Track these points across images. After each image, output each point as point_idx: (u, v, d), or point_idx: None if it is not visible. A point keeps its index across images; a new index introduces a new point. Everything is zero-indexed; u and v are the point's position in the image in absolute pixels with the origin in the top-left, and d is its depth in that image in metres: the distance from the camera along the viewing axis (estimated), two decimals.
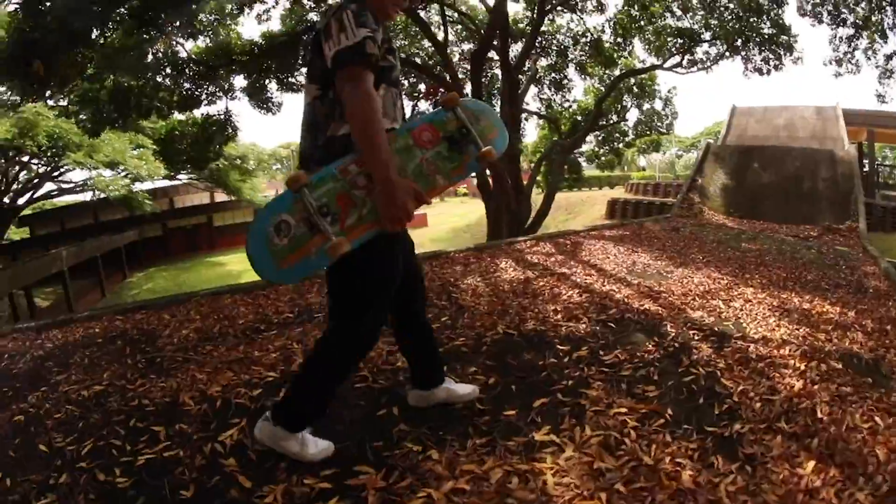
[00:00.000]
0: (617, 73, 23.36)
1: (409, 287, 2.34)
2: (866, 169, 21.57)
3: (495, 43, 15.88)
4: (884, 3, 15.87)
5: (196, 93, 13.27)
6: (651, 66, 20.40)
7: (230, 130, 15.45)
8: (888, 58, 16.30)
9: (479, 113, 2.23)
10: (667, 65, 20.14)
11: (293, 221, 1.80)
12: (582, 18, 19.74)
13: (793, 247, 10.26)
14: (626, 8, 18.78)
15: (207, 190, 35.96)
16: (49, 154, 21.94)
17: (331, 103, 1.98)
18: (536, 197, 20.22)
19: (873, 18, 16.10)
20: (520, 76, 19.18)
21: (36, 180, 27.17)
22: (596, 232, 10.35)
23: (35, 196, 28.72)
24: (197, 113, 15.51)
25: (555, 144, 21.23)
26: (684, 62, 19.68)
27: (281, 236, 1.79)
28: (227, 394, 3.12)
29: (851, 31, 16.35)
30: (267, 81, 14.81)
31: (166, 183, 32.32)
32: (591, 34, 20.04)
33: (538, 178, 20.64)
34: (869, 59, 16.54)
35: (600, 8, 19.52)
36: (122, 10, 10.19)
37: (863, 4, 16.01)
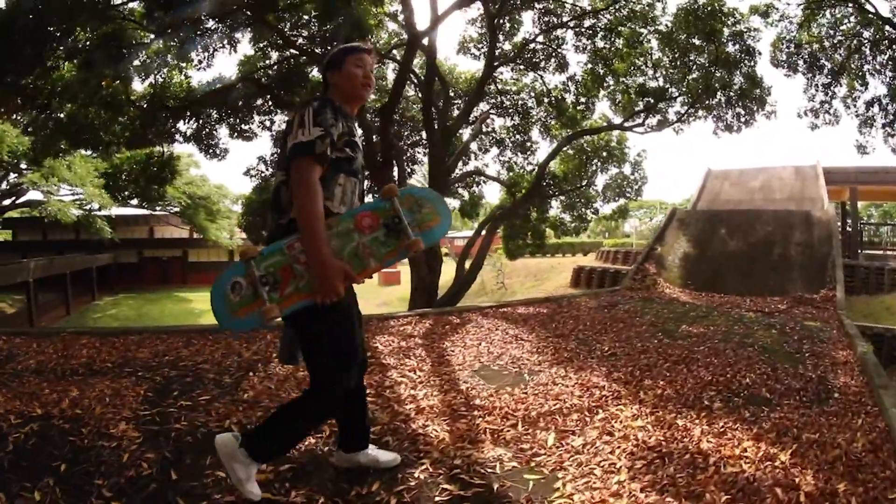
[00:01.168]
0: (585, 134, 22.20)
1: None
2: (849, 229, 19.68)
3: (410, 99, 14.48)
4: (862, 46, 14.36)
5: (143, 132, 13.57)
6: (609, 126, 18.91)
7: (167, 174, 16.36)
8: (868, 105, 14.68)
9: (423, 200, 2.34)
10: (628, 124, 18.70)
11: (244, 283, 2.13)
12: (541, 76, 18.12)
13: (748, 327, 8.25)
14: (589, 66, 17.62)
15: (186, 226, 35.98)
16: (8, 169, 22.73)
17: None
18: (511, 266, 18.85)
19: (852, 64, 14.57)
20: (459, 133, 17.64)
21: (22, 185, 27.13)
22: (508, 309, 9.40)
23: (18, 202, 28.94)
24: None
25: (497, 210, 19.73)
26: (652, 122, 18.42)
27: (235, 293, 2.11)
28: None
29: (828, 80, 14.76)
30: (218, 127, 14.96)
31: (146, 212, 34.08)
32: (553, 94, 18.89)
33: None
34: (848, 107, 14.96)
35: (561, 66, 18.13)
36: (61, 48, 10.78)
37: (841, 50, 14.47)
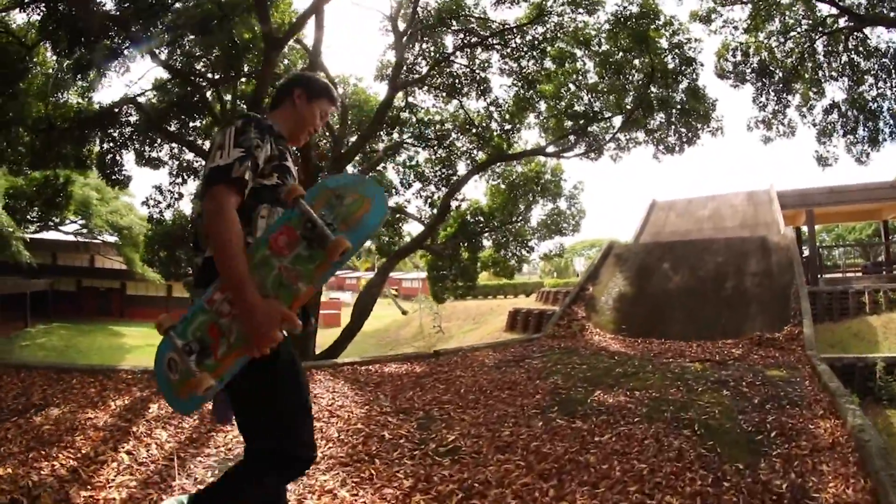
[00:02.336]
0: (516, 164, 20.44)
1: None
2: (806, 254, 17.75)
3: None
4: (816, 53, 12.53)
5: (42, 154, 13.16)
6: (532, 151, 16.88)
7: (62, 199, 16.34)
8: (827, 112, 12.80)
9: (342, 189, 1.89)
10: (552, 149, 16.65)
11: (178, 359, 1.79)
12: (461, 102, 16.00)
13: (690, 389, 6.08)
14: (514, 89, 15.77)
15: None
16: None
17: None
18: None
19: (805, 73, 12.74)
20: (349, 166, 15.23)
21: None
22: (375, 366, 7.68)
23: None
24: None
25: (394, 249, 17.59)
26: (579, 146, 16.62)
27: (173, 372, 1.81)
28: None
29: (780, 87, 12.90)
30: (123, 152, 14.23)
31: (87, 239, 32.96)
32: (476, 121, 16.86)
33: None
34: (804, 116, 13.06)
35: (484, 91, 16.16)
36: None
37: (793, 57, 12.63)
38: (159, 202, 16.00)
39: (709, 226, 17.79)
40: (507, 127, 17.26)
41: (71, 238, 32.94)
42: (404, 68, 15.63)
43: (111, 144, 14.00)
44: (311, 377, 6.63)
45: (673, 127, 15.28)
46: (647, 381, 6.33)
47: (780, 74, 13.37)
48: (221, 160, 1.84)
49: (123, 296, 38.48)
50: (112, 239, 32.03)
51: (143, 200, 15.96)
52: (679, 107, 14.56)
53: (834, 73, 12.91)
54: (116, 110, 13.33)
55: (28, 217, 20.89)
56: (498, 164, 20.17)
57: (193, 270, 2.04)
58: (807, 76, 13.21)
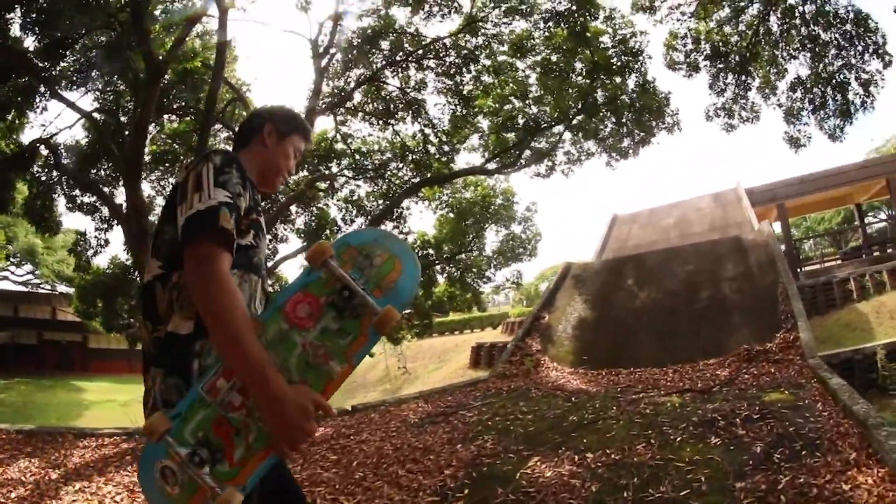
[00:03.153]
0: (463, 191, 19.61)
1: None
2: (783, 249, 16.42)
3: None
4: (770, 27, 11.32)
5: None
6: (469, 170, 15.50)
7: None
8: (791, 88, 11.48)
9: (369, 247, 1.55)
10: (492, 166, 15.29)
11: (175, 467, 1.36)
12: (393, 126, 14.77)
13: (665, 438, 4.48)
14: (449, 107, 14.76)
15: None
16: None
17: (175, 289, 1.48)
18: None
19: (765, 49, 11.52)
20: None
21: None
22: None
23: None
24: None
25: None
26: (531, 164, 15.46)
27: (171, 485, 1.37)
28: None
29: (738, 70, 11.67)
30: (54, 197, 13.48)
31: (48, 290, 32.84)
32: (411, 146, 15.72)
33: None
34: (767, 97, 11.71)
35: (416, 112, 15.05)
36: None
37: (749, 40, 11.43)
38: (86, 250, 15.10)
39: (675, 234, 16.36)
40: (446, 149, 15.91)
41: (29, 289, 33.35)
42: (334, 95, 14.56)
43: (39, 188, 13.29)
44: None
45: (625, 128, 14.04)
46: (608, 434, 4.65)
47: (736, 58, 12.11)
48: (201, 204, 1.39)
49: (85, 349, 37.35)
50: (69, 289, 30.94)
51: (69, 248, 15.52)
52: (629, 105, 13.27)
53: (794, 50, 11.66)
54: (36, 152, 12.40)
55: None
56: (442, 191, 18.89)
57: (148, 352, 1.51)
58: (765, 56, 11.99)
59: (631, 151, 14.30)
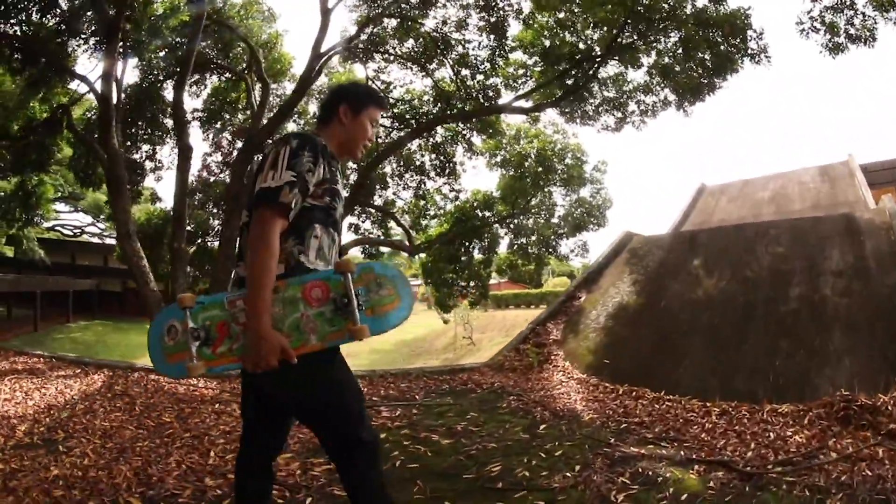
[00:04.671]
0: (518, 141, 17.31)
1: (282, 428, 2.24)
2: None
3: None
4: None
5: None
6: (495, 108, 13.03)
7: (33, 200, 17.34)
8: None
9: (384, 279, 2.06)
10: (520, 103, 13.44)
11: (180, 329, 1.93)
12: (428, 70, 14.19)
13: None
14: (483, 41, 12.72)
15: None
16: None
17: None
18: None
19: None
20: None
21: None
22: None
23: None
24: None
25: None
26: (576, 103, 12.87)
27: (170, 337, 1.94)
28: None
29: None
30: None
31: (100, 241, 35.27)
32: (442, 86, 13.96)
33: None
34: (886, 9, 8.42)
35: (445, 48, 13.21)
36: None
37: None
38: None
39: (770, 210, 13.30)
40: (490, 93, 13.52)
41: (86, 239, 35.89)
42: (366, 41, 13.47)
43: (82, 148, 13.65)
44: None
45: (691, 53, 10.72)
46: None
47: None
48: (273, 181, 1.87)
49: (167, 295, 39.63)
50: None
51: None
52: (694, 19, 10.11)
53: None
54: (62, 118, 12.99)
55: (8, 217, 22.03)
56: (499, 144, 16.50)
57: (233, 278, 2.10)
58: None
59: (706, 88, 11.12)
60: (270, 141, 12.81)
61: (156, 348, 1.95)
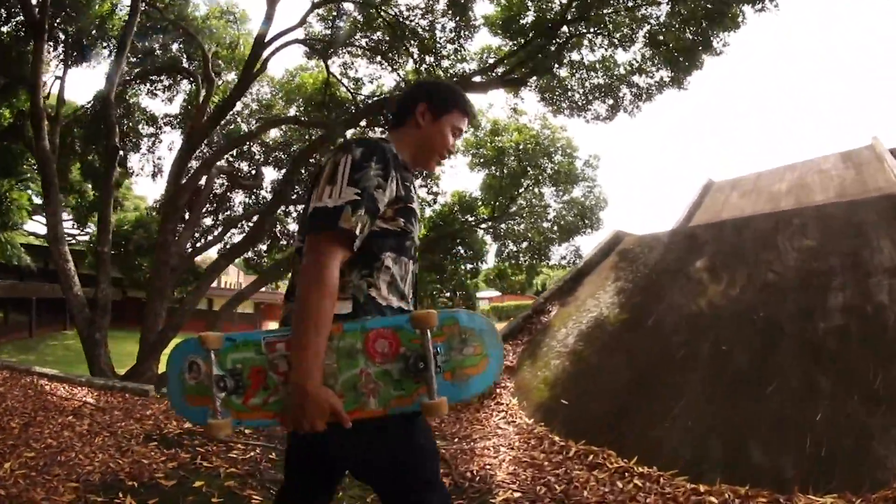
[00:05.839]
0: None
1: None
2: None
3: None
4: None
5: None
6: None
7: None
8: None
9: (471, 334, 1.59)
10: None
11: (203, 368, 1.59)
12: (394, 62, 13.37)
13: None
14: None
15: None
16: None
17: None
18: None
19: None
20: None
21: None
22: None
23: None
24: None
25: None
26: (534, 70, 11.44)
27: (192, 374, 1.61)
28: None
29: None
30: None
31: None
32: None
33: None
34: None
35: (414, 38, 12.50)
36: None
37: None
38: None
39: (788, 203, 11.41)
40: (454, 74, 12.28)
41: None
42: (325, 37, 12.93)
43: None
44: None
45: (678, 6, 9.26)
46: None
47: None
48: (330, 200, 1.51)
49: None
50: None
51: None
52: None
53: None
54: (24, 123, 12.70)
55: None
56: (480, 144, 15.05)
57: (284, 314, 1.69)
58: None
59: (700, 48, 9.70)
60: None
61: (175, 387, 1.62)
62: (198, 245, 14.96)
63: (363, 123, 13.63)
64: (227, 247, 14.35)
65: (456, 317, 1.58)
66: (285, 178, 12.73)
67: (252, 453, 4.11)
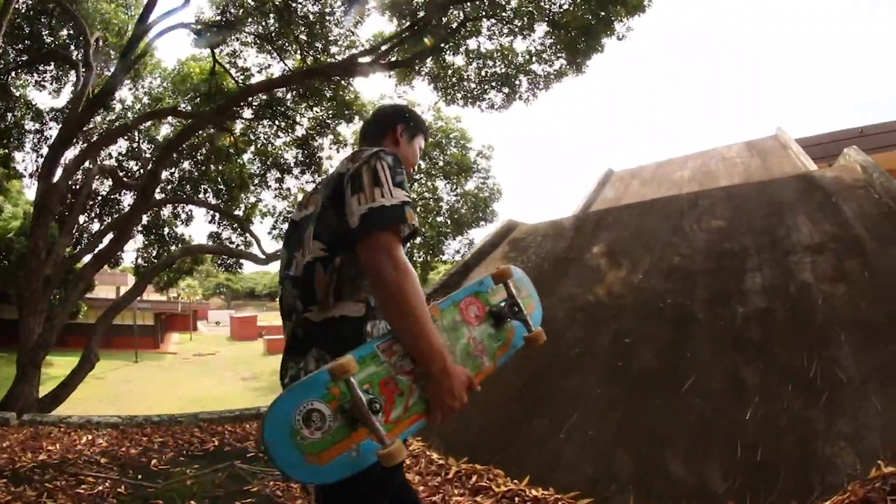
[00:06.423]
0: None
1: None
2: None
3: None
4: None
5: None
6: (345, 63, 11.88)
7: None
8: None
9: (520, 285, 1.89)
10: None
11: (328, 412, 1.38)
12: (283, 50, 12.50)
13: None
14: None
15: None
16: None
17: (336, 273, 1.59)
18: None
19: None
20: None
21: None
22: None
23: None
24: None
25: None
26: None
27: (312, 429, 1.35)
28: None
29: None
30: None
31: None
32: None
33: None
34: None
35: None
36: None
37: None
38: None
39: (692, 190, 11.19)
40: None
41: None
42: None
43: None
44: None
45: None
46: None
47: None
48: (384, 199, 1.54)
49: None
50: None
51: None
52: None
53: None
54: None
55: None
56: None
57: (303, 330, 1.59)
58: None
59: (601, 28, 9.50)
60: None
61: (287, 449, 1.31)
62: (77, 251, 13.35)
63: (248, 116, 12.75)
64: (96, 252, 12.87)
65: (512, 271, 1.82)
66: (150, 172, 11.41)
67: (100, 487, 3.69)
